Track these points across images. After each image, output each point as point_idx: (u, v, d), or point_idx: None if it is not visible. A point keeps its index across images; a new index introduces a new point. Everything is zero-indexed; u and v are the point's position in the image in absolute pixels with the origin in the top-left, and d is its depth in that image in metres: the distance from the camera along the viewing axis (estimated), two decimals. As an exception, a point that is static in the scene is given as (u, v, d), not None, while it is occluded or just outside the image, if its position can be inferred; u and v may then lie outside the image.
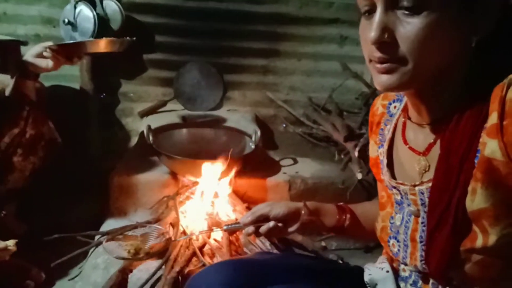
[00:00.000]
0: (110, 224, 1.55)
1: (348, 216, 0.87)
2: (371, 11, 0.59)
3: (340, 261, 1.52)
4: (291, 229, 0.84)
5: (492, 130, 0.56)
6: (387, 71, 0.59)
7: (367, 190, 1.68)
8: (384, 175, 0.76)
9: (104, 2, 2.15)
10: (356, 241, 1.65)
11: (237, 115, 2.32)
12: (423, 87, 0.63)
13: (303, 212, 0.84)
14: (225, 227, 0.86)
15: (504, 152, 0.55)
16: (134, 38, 1.54)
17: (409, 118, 0.71)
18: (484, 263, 0.60)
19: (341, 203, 0.91)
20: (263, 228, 0.83)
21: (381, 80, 0.60)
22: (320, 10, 2.38)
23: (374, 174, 0.85)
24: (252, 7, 2.32)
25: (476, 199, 0.58)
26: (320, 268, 0.83)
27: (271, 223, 0.82)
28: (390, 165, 0.75)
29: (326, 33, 2.41)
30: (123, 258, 1.07)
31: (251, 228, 0.83)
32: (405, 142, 0.71)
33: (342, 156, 1.83)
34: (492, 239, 0.58)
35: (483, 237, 0.59)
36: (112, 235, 1.44)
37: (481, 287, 0.63)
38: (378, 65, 0.59)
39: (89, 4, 2.11)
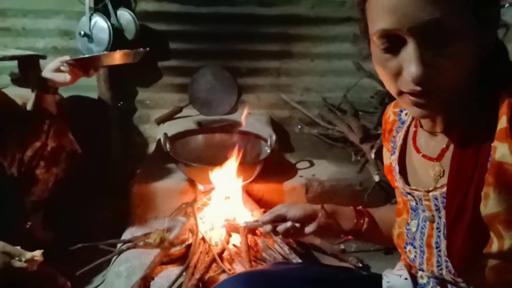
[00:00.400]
0: (131, 232, 1.59)
1: (366, 220, 0.86)
2: (391, 44, 0.57)
3: (360, 264, 1.52)
4: (307, 231, 0.85)
5: (502, 134, 0.56)
6: (423, 105, 0.58)
7: (385, 191, 1.67)
8: (397, 182, 0.76)
9: (118, 13, 2.19)
10: (373, 244, 1.64)
11: (252, 118, 2.32)
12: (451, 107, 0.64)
13: (320, 214, 0.84)
14: (244, 224, 0.89)
15: None
16: (148, 49, 1.57)
17: (421, 126, 0.71)
18: (500, 268, 0.60)
19: (360, 207, 0.91)
20: (280, 227, 0.84)
21: (419, 112, 0.60)
22: (332, 9, 2.36)
23: (389, 181, 0.85)
24: (263, 10, 2.32)
25: (489, 203, 0.57)
26: (337, 279, 0.83)
27: (288, 223, 0.83)
28: (403, 172, 0.75)
29: (338, 32, 2.39)
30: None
31: (269, 227, 0.85)
32: (418, 151, 0.71)
33: (359, 158, 1.82)
34: (507, 243, 0.57)
35: (498, 242, 0.58)
36: (134, 242, 1.49)
37: None
38: (414, 98, 0.58)
39: (103, 15, 2.16)
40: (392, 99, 2.25)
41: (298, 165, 1.91)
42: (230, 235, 1.52)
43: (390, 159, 0.80)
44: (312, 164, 1.91)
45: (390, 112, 0.82)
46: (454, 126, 0.64)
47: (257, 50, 2.37)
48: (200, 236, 1.46)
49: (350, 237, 0.90)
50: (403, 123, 0.78)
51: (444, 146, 0.66)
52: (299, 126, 2.41)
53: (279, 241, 1.49)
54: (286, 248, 1.47)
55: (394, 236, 0.80)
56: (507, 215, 0.56)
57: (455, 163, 0.62)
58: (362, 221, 0.86)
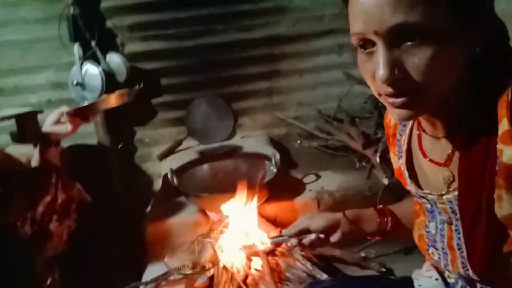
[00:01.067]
0: (151, 271, 1.58)
1: (389, 218, 0.87)
2: (366, 46, 0.58)
3: (383, 269, 1.51)
4: (333, 240, 0.85)
5: (505, 137, 0.55)
6: (402, 105, 0.58)
7: (396, 192, 1.68)
8: (409, 186, 0.76)
9: (108, 57, 2.23)
10: (400, 239, 1.63)
11: (251, 140, 2.35)
12: (435, 107, 0.64)
13: (343, 222, 0.84)
14: (270, 241, 0.89)
15: None
16: (142, 85, 1.60)
17: (424, 130, 0.70)
18: None
19: (381, 206, 0.91)
20: (306, 240, 0.84)
21: (398, 113, 0.59)
22: (313, 24, 2.42)
23: (402, 184, 0.85)
24: (245, 35, 2.37)
25: (503, 205, 0.58)
26: None
27: (313, 235, 0.84)
28: (413, 176, 0.75)
29: (323, 45, 2.45)
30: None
31: (295, 241, 0.85)
32: (425, 156, 0.71)
33: (364, 164, 1.84)
34: None
35: None
36: (155, 283, 1.48)
37: None
38: (391, 100, 0.58)
39: (94, 61, 2.20)
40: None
41: (305, 180, 1.92)
42: (250, 260, 1.52)
43: (398, 163, 0.80)
44: (318, 177, 1.92)
45: (390, 116, 0.82)
46: (456, 130, 0.64)
47: (246, 74, 2.41)
48: (221, 265, 1.47)
49: (377, 237, 0.90)
50: (404, 125, 0.77)
51: (450, 151, 0.65)
52: (298, 141, 2.43)
53: (301, 258, 1.49)
54: (308, 264, 1.47)
55: (415, 238, 0.80)
56: None
57: (463, 169, 0.61)
58: (385, 220, 0.87)
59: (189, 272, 1.23)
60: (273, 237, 0.89)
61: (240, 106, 2.47)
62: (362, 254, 1.58)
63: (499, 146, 0.57)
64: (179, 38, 2.34)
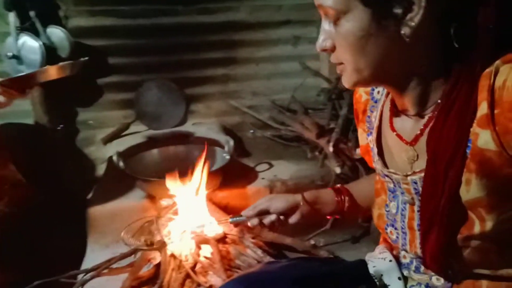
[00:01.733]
0: (91, 259, 1.47)
1: (346, 198, 0.88)
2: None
3: (332, 256, 1.54)
4: (291, 221, 0.86)
5: (483, 121, 0.55)
6: (340, 72, 0.65)
7: (346, 182, 1.71)
8: (376, 163, 0.76)
9: (48, 30, 2.05)
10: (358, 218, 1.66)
11: (204, 128, 2.29)
12: (387, 84, 0.65)
13: (301, 203, 0.85)
14: (230, 220, 0.89)
15: (497, 142, 0.54)
16: (86, 58, 1.47)
17: (395, 107, 0.70)
18: (482, 248, 0.61)
19: (338, 185, 0.92)
20: (266, 220, 0.85)
21: (342, 80, 0.67)
22: (271, 13, 2.41)
23: (367, 162, 0.86)
24: (204, 18, 2.31)
25: (471, 189, 0.58)
26: (326, 271, 0.83)
27: (273, 216, 0.85)
28: (381, 153, 0.75)
29: (280, 35, 2.44)
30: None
31: (255, 220, 0.86)
32: (393, 129, 0.71)
33: (316, 153, 1.86)
34: (489, 225, 0.59)
35: (480, 223, 0.59)
36: (97, 271, 1.38)
37: (480, 269, 0.65)
38: (337, 66, 0.65)
39: (32, 34, 2.01)
40: (338, 94, 2.32)
41: (258, 168, 1.90)
42: (199, 247, 1.47)
43: (367, 139, 0.80)
44: (271, 166, 1.91)
45: (361, 91, 0.81)
46: (426, 110, 0.64)
47: (202, 59, 2.35)
48: (168, 253, 1.40)
49: (336, 217, 0.92)
50: (376, 101, 0.77)
51: (419, 132, 0.66)
52: (252, 131, 2.41)
53: (251, 245, 1.47)
54: (259, 251, 1.45)
55: (374, 217, 0.80)
56: (489, 199, 0.58)
57: (431, 149, 0.61)
58: (342, 199, 0.88)
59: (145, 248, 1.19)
60: (232, 217, 0.89)
61: (194, 91, 2.39)
62: (312, 242, 1.58)
63: (476, 129, 0.56)
64: (133, 16, 2.21)
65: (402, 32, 0.57)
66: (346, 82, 0.65)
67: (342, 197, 0.88)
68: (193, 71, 2.36)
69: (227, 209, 1.62)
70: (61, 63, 1.43)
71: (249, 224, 0.86)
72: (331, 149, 1.62)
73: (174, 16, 2.25)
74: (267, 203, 0.86)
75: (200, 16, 2.29)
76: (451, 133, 0.58)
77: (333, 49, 0.63)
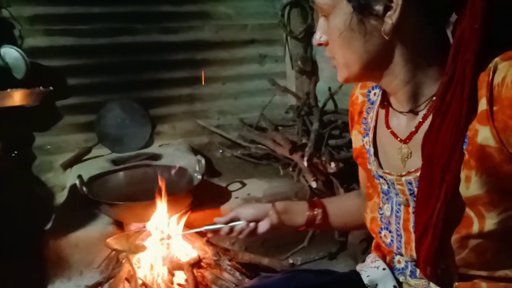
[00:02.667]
0: (53, 295, 1.34)
1: (319, 211, 0.87)
2: None
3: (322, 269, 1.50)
4: (260, 230, 0.87)
5: (483, 117, 0.55)
6: (335, 67, 0.67)
7: (320, 197, 1.69)
8: (371, 164, 0.75)
9: (2, 50, 1.93)
10: (337, 230, 1.64)
11: (171, 149, 2.22)
12: (377, 79, 0.66)
13: (271, 212, 0.86)
14: (205, 228, 0.90)
15: (496, 138, 0.54)
16: (51, 88, 1.37)
17: (391, 105, 0.70)
18: (480, 248, 0.60)
19: (315, 199, 0.92)
20: (237, 228, 0.86)
21: (337, 74, 0.68)
22: (236, 32, 2.42)
23: (359, 165, 0.85)
24: (168, 37, 2.27)
25: (470, 186, 0.57)
26: (319, 283, 0.79)
27: (242, 223, 0.86)
28: (376, 154, 0.74)
29: (245, 54, 2.45)
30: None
31: (227, 227, 0.87)
32: (388, 127, 0.70)
33: (290, 169, 1.83)
34: (489, 223, 0.58)
35: (479, 222, 0.58)
36: (59, 308, 1.25)
37: (477, 270, 0.63)
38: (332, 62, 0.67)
39: (-17, 54, 1.88)
40: (308, 110, 2.32)
41: (230, 188, 1.85)
42: (173, 274, 1.38)
43: (362, 141, 0.79)
44: (243, 185, 1.86)
45: (357, 93, 0.81)
46: (420, 107, 0.64)
47: (167, 78, 2.30)
48: (140, 282, 1.30)
49: (307, 228, 0.91)
50: (372, 103, 0.77)
51: (413, 129, 0.66)
52: (220, 150, 2.36)
53: (229, 268, 1.40)
54: (237, 274, 1.39)
55: (367, 221, 0.78)
56: (489, 197, 0.57)
57: (426, 152, 0.60)
58: (315, 213, 0.87)
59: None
60: (207, 225, 0.90)
61: (159, 112, 2.32)
62: (290, 261, 1.54)
63: (476, 125, 0.56)
64: (91, 35, 2.13)
65: (382, 29, 0.59)
66: (339, 77, 0.68)
67: (315, 211, 0.87)
68: (157, 91, 2.30)
69: (202, 232, 1.54)
70: (26, 89, 1.31)
71: (221, 232, 0.87)
72: (305, 163, 1.60)
73: (134, 35, 2.20)
74: (238, 210, 0.88)
75: (162, 35, 2.25)
76: (446, 137, 0.57)
77: (327, 43, 0.66)
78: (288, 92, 2.35)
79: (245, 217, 0.86)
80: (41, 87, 1.31)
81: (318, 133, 1.81)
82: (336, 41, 0.63)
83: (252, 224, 0.86)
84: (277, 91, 2.37)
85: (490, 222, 0.58)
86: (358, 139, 0.80)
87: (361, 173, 0.89)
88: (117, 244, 1.19)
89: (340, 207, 0.90)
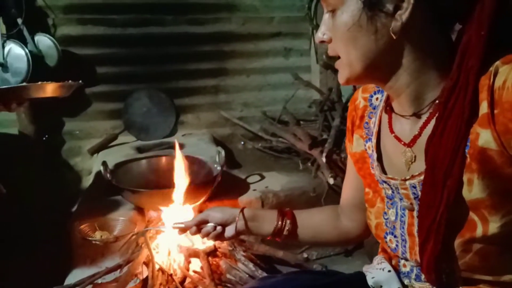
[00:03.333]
0: (76, 275, 1.40)
1: (287, 221, 0.86)
2: None
3: (324, 270, 1.50)
4: (227, 234, 0.88)
5: (484, 120, 0.55)
6: (337, 67, 0.66)
7: (338, 193, 1.68)
8: (374, 169, 0.74)
9: (36, 38, 2.02)
10: (303, 245, 1.64)
11: (194, 139, 2.26)
12: (380, 81, 0.65)
13: (237, 218, 0.86)
14: (173, 225, 0.92)
15: (497, 141, 0.54)
16: (81, 82, 1.41)
17: (393, 110, 0.70)
18: (484, 252, 0.60)
19: (287, 209, 0.91)
20: (203, 230, 0.88)
21: (338, 76, 0.67)
22: (262, 25, 2.41)
23: (357, 170, 0.83)
24: (195, 28, 2.30)
25: (473, 189, 0.57)
26: (324, 283, 0.80)
27: (209, 226, 0.87)
28: (380, 159, 0.74)
29: (271, 47, 2.44)
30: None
31: (193, 229, 0.89)
32: (391, 131, 0.70)
33: (309, 164, 1.83)
34: (492, 227, 0.58)
35: (482, 226, 0.58)
36: (81, 286, 1.32)
37: (481, 275, 0.63)
38: (335, 62, 0.66)
39: (19, 41, 1.97)
40: (331, 106, 2.30)
41: (249, 180, 1.87)
42: (189, 261, 1.42)
43: (364, 146, 0.78)
44: (262, 177, 1.88)
45: (359, 98, 0.80)
46: (424, 110, 0.64)
47: (193, 69, 2.33)
48: (157, 267, 1.35)
49: (269, 237, 0.90)
50: (375, 108, 0.77)
51: (417, 132, 0.65)
52: (242, 142, 2.38)
53: (243, 259, 1.43)
54: (250, 265, 1.41)
55: (372, 228, 0.78)
56: (492, 200, 0.57)
57: (429, 157, 0.60)
58: (283, 223, 0.86)
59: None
60: (176, 223, 0.92)
61: (184, 102, 2.36)
62: (305, 255, 1.55)
63: (477, 129, 0.56)
64: (122, 25, 2.19)
65: (391, 28, 0.58)
66: (340, 78, 0.67)
67: (284, 221, 0.86)
68: (183, 81, 2.34)
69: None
70: (58, 83, 1.35)
71: (188, 232, 0.89)
72: (324, 159, 1.59)
73: (163, 26, 2.24)
74: (207, 213, 0.89)
75: (189, 26, 2.28)
76: (449, 142, 0.57)
77: (330, 41, 0.64)
78: (311, 86, 2.33)
79: (213, 220, 0.87)
80: (70, 81, 1.35)
81: (339, 129, 1.79)
82: (342, 38, 0.62)
83: (219, 228, 0.87)
84: (300, 85, 2.35)
85: (494, 225, 0.58)
86: (360, 144, 0.79)
87: (348, 184, 0.87)
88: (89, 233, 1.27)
89: (310, 220, 0.89)
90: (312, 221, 0.89)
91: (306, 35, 2.48)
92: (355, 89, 2.17)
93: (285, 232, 0.86)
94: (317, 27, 2.45)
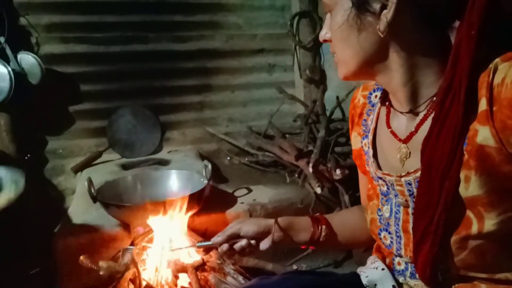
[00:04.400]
0: (59, 295, 1.36)
1: (323, 227, 0.83)
2: None
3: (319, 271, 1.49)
4: (262, 247, 0.80)
5: (482, 117, 0.55)
6: (336, 64, 0.69)
7: (325, 204, 1.70)
8: (370, 166, 0.75)
9: (19, 56, 2.00)
10: (331, 252, 1.64)
11: (180, 155, 2.25)
12: (375, 78, 0.67)
13: (273, 229, 0.80)
14: (197, 244, 0.82)
15: (496, 138, 0.54)
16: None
17: (392, 106, 0.71)
18: (480, 249, 0.60)
19: (317, 214, 0.87)
20: (236, 245, 0.79)
21: (338, 71, 0.70)
22: (246, 42, 2.45)
23: (357, 167, 0.84)
24: (179, 46, 2.32)
25: (470, 186, 0.57)
26: (318, 284, 0.79)
27: (243, 241, 0.79)
28: (375, 156, 0.75)
29: (255, 63, 2.48)
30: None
31: (225, 246, 0.80)
32: (388, 126, 0.71)
33: (296, 176, 1.84)
34: (488, 224, 0.58)
35: (478, 223, 0.58)
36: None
37: (477, 272, 0.63)
38: (335, 59, 0.70)
39: (1, 60, 1.95)
40: (315, 119, 2.33)
41: (236, 193, 1.86)
42: (177, 277, 1.39)
43: (361, 143, 0.79)
44: (250, 191, 1.88)
45: (359, 96, 0.82)
46: (419, 105, 0.64)
47: (177, 86, 2.34)
48: (144, 283, 1.31)
49: (311, 247, 0.86)
50: (373, 105, 0.78)
51: (413, 129, 0.66)
52: (228, 158, 2.38)
53: (232, 272, 1.41)
54: (240, 278, 1.39)
55: (367, 222, 0.78)
56: (488, 197, 0.57)
57: (426, 157, 0.60)
58: (319, 229, 0.83)
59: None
60: (200, 241, 0.83)
61: (169, 118, 2.36)
62: (294, 267, 1.54)
63: (475, 125, 0.56)
64: (105, 42, 2.19)
65: (378, 27, 0.60)
66: (339, 74, 0.70)
67: (319, 227, 0.83)
68: (168, 98, 2.34)
69: (206, 235, 1.56)
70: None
71: (219, 250, 0.80)
72: (310, 169, 1.60)
73: (146, 43, 2.26)
74: (237, 226, 0.80)
75: (173, 44, 2.30)
76: (446, 142, 0.57)
77: (331, 40, 0.68)
78: (296, 100, 2.36)
79: (246, 234, 0.79)
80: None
81: (324, 140, 1.82)
82: (336, 37, 0.65)
83: (253, 242, 0.79)
84: (285, 100, 2.39)
85: (489, 223, 0.58)
86: (357, 141, 0.80)
87: (362, 182, 0.87)
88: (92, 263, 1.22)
89: (344, 222, 0.86)
90: (346, 223, 0.86)
91: (289, 51, 2.53)
92: (339, 103, 2.21)
93: (322, 239, 0.82)
94: (299, 43, 2.52)
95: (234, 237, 0.80)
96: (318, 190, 1.58)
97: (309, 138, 1.98)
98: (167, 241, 1.39)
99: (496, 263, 0.61)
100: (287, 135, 2.23)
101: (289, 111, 2.53)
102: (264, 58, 2.50)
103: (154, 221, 1.41)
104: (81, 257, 1.24)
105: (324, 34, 0.69)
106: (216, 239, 0.80)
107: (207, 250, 0.82)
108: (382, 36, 0.60)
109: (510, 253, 0.60)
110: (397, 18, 0.59)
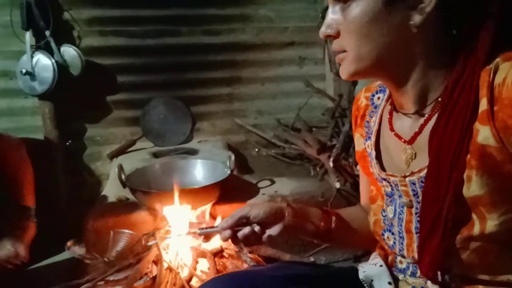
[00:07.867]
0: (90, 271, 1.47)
1: (333, 218, 0.79)
2: None
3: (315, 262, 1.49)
4: (272, 232, 0.74)
5: (483, 117, 0.55)
6: (340, 61, 0.64)
7: (347, 198, 1.70)
8: (373, 167, 0.74)
9: (62, 49, 2.14)
10: (344, 248, 1.64)
11: (209, 145, 2.31)
12: (387, 77, 0.65)
13: (286, 213, 0.75)
14: (199, 231, 0.76)
15: (497, 138, 0.54)
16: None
17: (395, 108, 0.70)
18: (482, 250, 0.59)
19: (326, 208, 0.85)
20: (240, 233, 0.73)
21: (339, 69, 0.66)
22: (276, 35, 2.46)
23: (361, 168, 0.84)
24: (210, 39, 2.37)
25: (471, 186, 0.57)
26: (314, 274, 0.79)
27: (247, 229, 0.72)
28: (379, 157, 0.74)
29: (285, 56, 2.49)
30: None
31: (228, 232, 0.73)
32: (392, 129, 0.70)
33: (318, 169, 1.85)
34: (490, 225, 0.57)
35: (480, 223, 0.58)
36: (93, 283, 1.38)
37: (479, 273, 0.62)
38: (336, 56, 0.65)
39: (46, 52, 2.09)
40: (342, 112, 2.31)
41: (259, 184, 1.90)
42: (197, 261, 1.46)
43: (364, 144, 0.79)
44: (273, 182, 1.91)
45: (362, 97, 0.81)
46: (425, 107, 0.64)
47: (208, 78, 2.40)
48: (165, 265, 1.39)
49: (311, 239, 0.83)
50: (376, 107, 0.77)
51: (417, 129, 0.65)
52: (256, 149, 2.42)
53: (249, 260, 1.45)
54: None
55: (370, 224, 0.78)
56: (490, 197, 0.56)
57: (434, 148, 0.59)
58: (330, 220, 0.79)
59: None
60: (202, 228, 0.76)
61: (199, 110, 2.43)
62: (311, 259, 1.56)
63: (477, 125, 0.56)
64: (141, 36, 2.29)
65: (411, 21, 0.57)
66: (343, 73, 0.64)
67: (330, 217, 0.79)
68: (199, 90, 2.41)
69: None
70: None
71: (220, 236, 0.74)
72: (331, 164, 1.61)
73: (179, 36, 2.33)
74: (246, 209, 0.74)
75: (205, 37, 2.35)
76: (455, 131, 0.57)
77: (337, 35, 0.63)
78: (322, 94, 2.35)
79: (255, 217, 0.73)
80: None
81: (348, 135, 1.81)
82: (354, 31, 0.60)
83: (257, 228, 0.72)
84: (313, 93, 2.38)
85: (491, 223, 0.57)
86: (360, 142, 0.80)
87: (362, 182, 0.86)
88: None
89: (351, 217, 0.83)
90: (354, 219, 0.82)
91: (320, 44, 2.51)
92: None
93: (332, 228, 0.78)
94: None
95: (242, 222, 0.74)
96: (337, 185, 1.58)
97: (334, 132, 1.97)
98: (182, 227, 1.46)
99: (498, 264, 0.60)
100: (314, 129, 2.23)
101: (318, 105, 2.52)
102: (295, 51, 2.50)
103: (172, 208, 1.49)
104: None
105: (327, 30, 0.63)
106: (223, 223, 0.74)
107: (207, 236, 0.76)
108: (415, 31, 0.57)
109: None
110: (432, 13, 0.56)
